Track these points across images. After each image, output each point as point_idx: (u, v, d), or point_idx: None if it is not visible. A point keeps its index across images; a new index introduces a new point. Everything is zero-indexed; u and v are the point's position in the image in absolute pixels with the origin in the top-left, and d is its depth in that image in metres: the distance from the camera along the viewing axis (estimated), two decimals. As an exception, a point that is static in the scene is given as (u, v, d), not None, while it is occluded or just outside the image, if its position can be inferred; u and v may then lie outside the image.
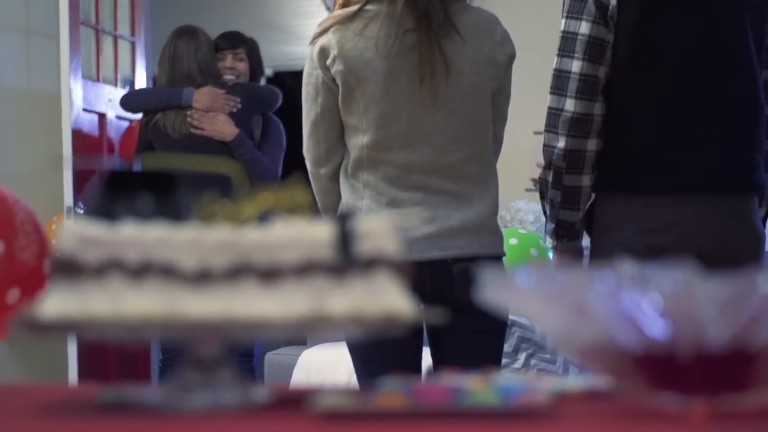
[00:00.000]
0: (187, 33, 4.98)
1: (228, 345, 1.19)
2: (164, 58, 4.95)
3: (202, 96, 4.79)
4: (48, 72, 5.24)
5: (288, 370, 5.01)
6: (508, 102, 2.72)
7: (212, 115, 4.78)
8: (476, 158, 2.64)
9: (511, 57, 2.67)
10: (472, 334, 2.60)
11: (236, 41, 5.11)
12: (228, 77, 5.01)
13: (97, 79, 5.55)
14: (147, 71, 6.01)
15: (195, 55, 4.90)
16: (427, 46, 2.56)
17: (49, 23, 5.22)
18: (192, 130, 4.79)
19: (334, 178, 2.66)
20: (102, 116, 5.52)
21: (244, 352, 4.79)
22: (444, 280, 2.56)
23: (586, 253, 2.80)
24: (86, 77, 5.36)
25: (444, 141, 2.60)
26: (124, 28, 5.88)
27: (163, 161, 1.23)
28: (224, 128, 4.77)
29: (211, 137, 4.77)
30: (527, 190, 5.50)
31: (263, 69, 5.22)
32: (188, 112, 4.81)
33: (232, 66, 5.05)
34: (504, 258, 2.69)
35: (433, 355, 2.70)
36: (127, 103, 5.06)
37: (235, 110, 4.85)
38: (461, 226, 2.59)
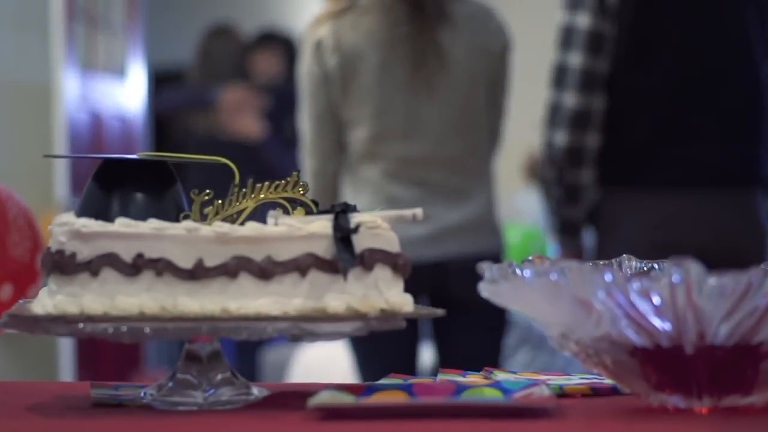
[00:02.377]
0: (221, 32, 4.99)
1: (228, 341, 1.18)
2: (197, 57, 4.96)
3: (230, 95, 4.77)
4: (40, 63, 5.22)
5: (285, 367, 5.01)
6: (507, 96, 2.72)
7: (238, 114, 4.76)
8: (473, 151, 2.64)
9: (506, 47, 2.66)
10: (472, 333, 2.60)
11: (270, 40, 5.10)
12: (260, 77, 4.99)
13: (91, 71, 5.52)
14: (145, 63, 5.98)
15: (227, 54, 4.91)
16: (419, 36, 2.56)
17: (41, 12, 5.19)
18: (217, 130, 4.78)
19: (337, 177, 2.64)
20: (96, 108, 5.50)
21: (247, 346, 4.78)
22: (442, 280, 2.56)
23: (590, 248, 2.79)
24: (80, 68, 5.33)
25: (440, 132, 2.60)
26: (119, 18, 5.84)
27: (160, 154, 1.21)
28: (249, 128, 4.75)
29: (236, 138, 4.74)
30: (528, 184, 5.51)
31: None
32: (215, 112, 4.79)
33: (266, 65, 5.03)
34: (505, 254, 2.69)
35: (435, 354, 2.71)
36: (161, 107, 5.05)
37: (266, 111, 4.82)
38: (459, 225, 2.59)
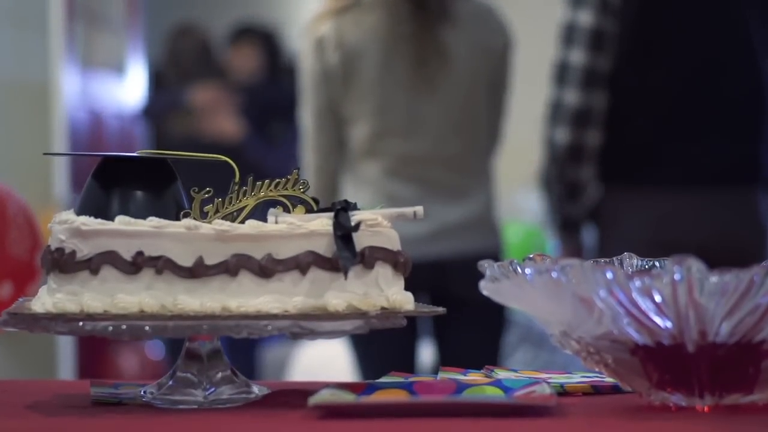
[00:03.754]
0: (183, 31, 4.93)
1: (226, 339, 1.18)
2: (167, 57, 4.91)
3: (200, 96, 4.73)
4: (39, 60, 5.21)
5: (285, 366, 5.00)
6: (508, 95, 2.72)
7: (214, 115, 4.72)
8: (473, 149, 2.64)
9: (507, 45, 2.67)
10: (472, 332, 2.60)
11: (248, 34, 5.02)
12: (238, 73, 4.94)
13: (91, 68, 5.51)
14: (145, 61, 5.97)
15: (193, 53, 4.87)
16: (422, 34, 2.57)
17: (40, 10, 5.18)
18: (196, 132, 4.75)
19: (337, 174, 2.64)
20: (96, 106, 5.49)
21: (242, 344, 4.77)
22: (442, 279, 2.56)
23: (590, 246, 2.79)
24: (79, 66, 5.32)
25: (441, 130, 2.60)
26: (119, 16, 5.83)
27: (160, 152, 1.21)
28: (227, 128, 4.71)
29: (216, 140, 4.71)
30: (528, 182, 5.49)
31: (280, 61, 5.09)
32: (191, 114, 4.76)
33: (243, 60, 4.97)
34: (503, 253, 2.69)
35: (435, 352, 2.71)
36: (147, 114, 5.03)
37: (243, 110, 4.77)
38: (458, 223, 2.59)
